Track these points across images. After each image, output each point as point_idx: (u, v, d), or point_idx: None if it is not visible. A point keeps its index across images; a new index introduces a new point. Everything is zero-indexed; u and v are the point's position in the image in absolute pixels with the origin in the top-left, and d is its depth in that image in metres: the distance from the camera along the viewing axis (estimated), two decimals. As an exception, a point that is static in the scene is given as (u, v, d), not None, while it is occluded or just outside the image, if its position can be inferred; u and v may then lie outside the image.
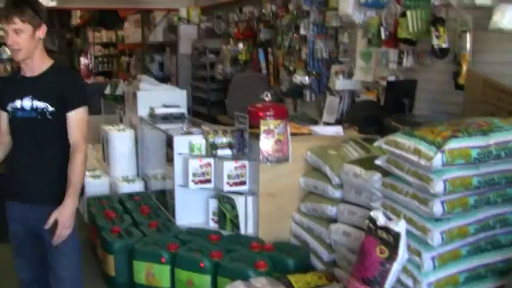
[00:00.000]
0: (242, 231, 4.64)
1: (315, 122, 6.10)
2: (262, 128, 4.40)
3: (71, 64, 18.93)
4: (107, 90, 8.65)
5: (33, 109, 3.23)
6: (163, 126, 5.52)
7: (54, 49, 22.45)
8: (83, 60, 17.22)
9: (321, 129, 5.01)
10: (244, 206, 4.62)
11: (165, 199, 5.30)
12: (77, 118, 3.26)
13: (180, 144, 4.82)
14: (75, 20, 17.41)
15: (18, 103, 3.26)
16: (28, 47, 3.15)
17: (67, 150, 3.26)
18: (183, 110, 6.16)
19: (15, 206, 3.38)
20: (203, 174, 4.75)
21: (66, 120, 3.25)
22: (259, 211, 4.56)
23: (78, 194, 3.25)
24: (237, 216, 4.63)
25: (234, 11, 9.32)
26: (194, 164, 4.71)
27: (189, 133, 4.96)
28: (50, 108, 3.22)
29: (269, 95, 4.70)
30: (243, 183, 4.67)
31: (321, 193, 4.27)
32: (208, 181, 4.77)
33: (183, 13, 10.69)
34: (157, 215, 5.13)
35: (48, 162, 3.28)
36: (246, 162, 4.65)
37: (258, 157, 4.45)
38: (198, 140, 4.79)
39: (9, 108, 3.30)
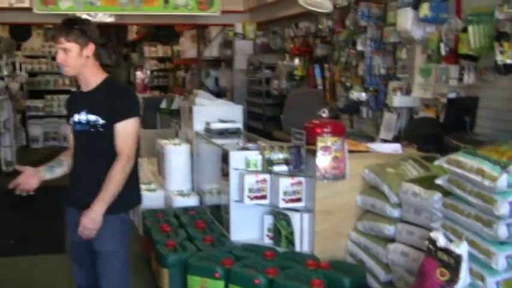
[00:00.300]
0: (297, 248, 4.58)
1: (372, 139, 6.02)
2: (319, 144, 4.36)
3: (127, 78, 19.29)
4: (163, 105, 8.77)
5: (87, 122, 3.39)
6: (219, 141, 5.55)
7: (111, 63, 22.98)
8: (139, 75, 17.45)
9: (378, 147, 4.93)
10: (299, 223, 4.57)
11: (219, 214, 5.30)
12: (123, 129, 3.36)
13: (236, 159, 4.82)
14: (132, 35, 17.74)
15: (76, 117, 3.45)
16: (75, 64, 3.32)
17: None
18: (239, 125, 6.19)
19: (71, 213, 3.55)
20: (259, 190, 4.74)
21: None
22: (314, 228, 4.50)
23: (108, 200, 3.30)
24: (292, 233, 4.59)
25: (290, 27, 9.32)
26: (250, 180, 4.70)
27: (245, 148, 4.96)
28: (101, 121, 3.36)
29: (326, 111, 4.65)
30: (299, 200, 4.63)
31: (378, 212, 4.20)
32: (263, 197, 4.75)
33: (239, 28, 10.75)
34: (212, 230, 5.13)
35: (100, 172, 3.35)
36: (303, 179, 4.61)
37: (314, 174, 4.40)
38: (254, 156, 4.78)
39: (71, 122, 3.51)
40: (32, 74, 14.31)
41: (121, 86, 3.61)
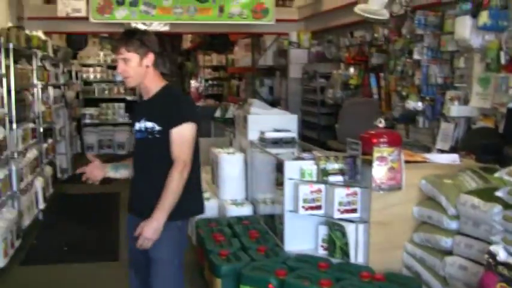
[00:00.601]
0: (352, 259, 4.54)
1: (428, 149, 5.92)
2: (376, 155, 4.31)
3: (182, 87, 19.52)
4: (217, 113, 8.81)
5: (145, 129, 3.45)
6: (273, 151, 5.54)
7: (166, 72, 23.31)
8: (193, 83, 17.65)
9: (435, 157, 4.83)
10: (354, 234, 4.52)
11: (273, 224, 5.29)
12: (178, 135, 3.37)
13: (291, 169, 4.80)
14: (186, 44, 17.93)
15: (137, 125, 3.52)
16: (136, 74, 3.41)
17: None
18: (294, 134, 6.17)
19: (130, 220, 3.62)
20: (313, 200, 4.70)
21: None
22: (370, 240, 4.45)
23: (168, 209, 3.31)
24: (347, 244, 4.54)
25: (345, 35, 9.26)
26: (305, 190, 4.68)
27: (300, 158, 4.94)
28: (157, 128, 3.41)
29: (383, 121, 4.59)
30: (354, 210, 4.58)
31: (435, 223, 4.12)
32: (318, 207, 4.72)
33: (294, 37, 10.73)
34: (266, 240, 5.12)
35: (157, 179, 3.38)
36: (358, 190, 4.57)
37: (370, 184, 4.36)
38: (309, 166, 4.75)
39: (133, 131, 3.60)
40: (87, 82, 14.62)
41: (177, 92, 3.62)
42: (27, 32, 7.89)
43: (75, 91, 13.43)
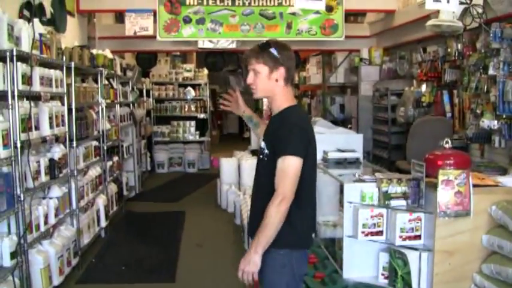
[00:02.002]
0: (415, 290, 4.19)
1: (504, 171, 5.49)
2: (441, 178, 3.97)
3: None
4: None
5: (260, 148, 3.38)
6: (336, 171, 5.26)
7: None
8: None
9: (508, 181, 4.42)
10: (417, 263, 4.17)
11: (333, 249, 5.00)
12: (280, 166, 3.13)
13: (351, 192, 4.50)
14: (260, 62, 17.78)
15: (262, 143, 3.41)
16: (263, 87, 3.29)
17: None
18: (358, 154, 5.85)
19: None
20: (374, 225, 4.39)
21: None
22: (434, 269, 4.09)
23: (264, 243, 3.12)
24: (409, 273, 4.20)
25: (417, 51, 8.89)
26: (365, 214, 4.37)
27: (361, 180, 4.63)
28: (266, 151, 3.28)
29: (450, 142, 4.23)
30: (417, 237, 4.24)
31: (507, 254, 3.76)
32: (379, 233, 4.40)
33: (365, 54, 10.45)
34: (325, 266, 4.85)
35: (261, 203, 3.22)
36: (422, 215, 4.22)
37: (435, 210, 4.01)
38: (371, 189, 4.43)
39: None
40: (159, 100, 14.72)
41: (295, 118, 3.29)
42: (94, 51, 7.93)
43: (146, 109, 13.54)
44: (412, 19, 8.54)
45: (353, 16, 11.68)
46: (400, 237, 4.25)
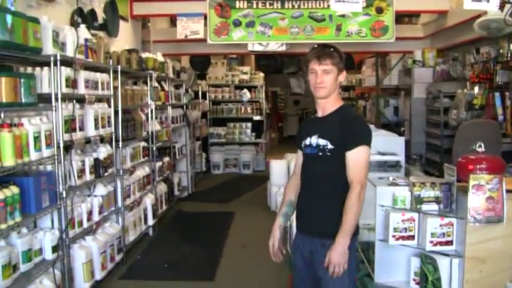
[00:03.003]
0: (445, 297, 4.13)
1: (550, 177, 5.32)
2: (472, 182, 3.90)
3: (314, 108, 19.38)
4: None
5: (317, 146, 3.47)
6: (376, 175, 5.23)
7: (301, 92, 23.36)
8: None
9: (548, 187, 4.30)
10: (448, 269, 4.11)
11: (368, 252, 4.98)
12: (353, 157, 3.35)
13: (383, 195, 4.47)
14: (319, 64, 17.76)
15: (308, 140, 3.54)
16: (329, 87, 3.45)
17: (344, 188, 3.37)
18: (399, 157, 5.79)
19: (297, 237, 3.68)
20: (405, 229, 4.35)
21: (344, 158, 3.37)
22: (465, 277, 4.02)
23: (351, 233, 3.33)
24: (439, 280, 4.14)
25: (470, 52, 8.70)
26: (396, 218, 4.33)
27: (394, 184, 4.60)
28: (330, 146, 3.41)
29: (482, 145, 4.16)
30: (449, 243, 4.17)
31: (540, 263, 3.64)
32: (410, 237, 4.35)
33: (418, 56, 10.29)
34: (358, 269, 4.81)
35: (325, 198, 3.44)
36: (454, 220, 4.15)
37: (466, 215, 3.94)
38: (403, 192, 4.39)
39: (302, 145, 3.61)
40: (215, 102, 14.90)
41: (354, 114, 3.68)
42: (143, 54, 8.12)
43: (202, 111, 13.74)
44: (464, 19, 8.37)
45: (407, 17, 11.52)
46: (431, 242, 4.19)
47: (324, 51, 3.47)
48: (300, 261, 3.57)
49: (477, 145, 4.20)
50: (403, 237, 4.34)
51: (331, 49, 3.48)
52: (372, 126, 6.44)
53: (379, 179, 4.85)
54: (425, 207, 4.28)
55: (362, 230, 5.54)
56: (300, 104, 24.66)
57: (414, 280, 4.41)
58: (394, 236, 4.34)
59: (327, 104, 3.51)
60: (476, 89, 8.29)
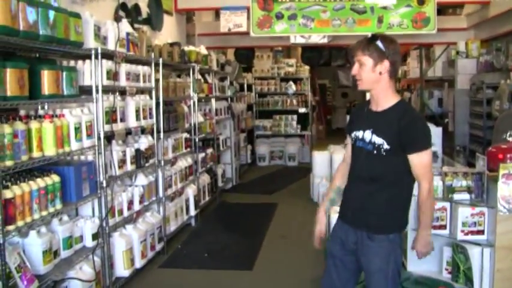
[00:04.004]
0: (476, 286, 4.16)
1: None
2: (502, 171, 3.92)
3: (363, 99, 19.30)
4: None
5: (371, 142, 3.38)
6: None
7: (349, 84, 23.28)
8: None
9: None
10: (479, 258, 4.15)
11: (403, 243, 5.01)
12: (417, 161, 3.31)
13: (415, 185, 4.50)
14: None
15: (360, 133, 3.46)
16: (367, 78, 3.33)
17: (395, 185, 3.39)
18: (436, 148, 5.79)
19: (338, 225, 3.66)
20: (437, 219, 4.40)
21: (399, 158, 3.32)
22: (495, 266, 4.03)
23: (429, 226, 3.54)
24: (470, 269, 4.18)
25: (515, 43, 8.59)
26: (428, 208, 4.37)
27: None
28: (386, 146, 3.32)
29: (514, 135, 4.17)
30: (480, 232, 4.21)
31: None
32: (442, 227, 4.41)
33: (462, 47, 10.17)
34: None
35: (375, 194, 3.41)
36: (485, 210, 4.18)
37: (496, 204, 3.96)
38: (435, 182, 4.41)
39: (353, 135, 3.54)
40: (261, 94, 15.00)
41: (413, 113, 3.45)
42: (186, 47, 8.28)
43: (248, 103, 13.87)
44: (507, 9, 8.26)
45: (451, 8, 11.39)
46: (462, 231, 4.24)
47: (359, 43, 3.37)
48: (338, 249, 3.56)
49: (507, 134, 4.21)
50: (435, 227, 4.37)
51: (371, 39, 3.33)
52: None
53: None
54: (456, 196, 4.33)
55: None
56: (348, 96, 24.59)
57: (446, 269, 4.46)
58: (425, 226, 4.38)
59: (380, 98, 3.38)
60: (519, 80, 8.19)
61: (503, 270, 4.02)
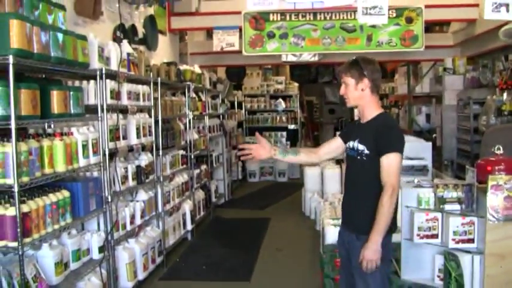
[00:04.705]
0: (468, 292, 4.36)
1: None
2: (490, 182, 4.14)
3: (351, 115, 19.58)
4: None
5: (356, 149, 3.80)
6: (404, 179, 5.44)
7: (336, 101, 23.55)
8: (357, 112, 17.65)
9: None
10: (470, 265, 4.34)
11: (395, 252, 5.21)
12: (385, 162, 3.62)
13: (408, 196, 4.74)
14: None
15: (351, 143, 3.89)
16: (352, 96, 3.82)
17: (378, 190, 3.62)
18: (426, 162, 6.01)
19: (341, 230, 4.04)
20: (429, 228, 4.60)
21: (379, 164, 3.65)
22: (485, 272, 4.24)
23: (382, 231, 3.58)
24: (461, 276, 4.37)
25: (499, 59, 8.86)
26: (420, 218, 4.60)
27: (419, 186, 4.85)
28: (366, 151, 3.72)
29: (501, 148, 4.40)
30: (470, 240, 4.41)
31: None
32: (434, 236, 4.60)
33: (449, 63, 10.46)
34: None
35: (360, 198, 3.79)
36: (475, 219, 4.39)
37: (486, 214, 4.18)
38: (427, 193, 4.66)
39: (346, 145, 3.98)
40: (251, 111, 15.24)
41: (389, 122, 3.89)
42: (181, 67, 8.50)
43: (238, 120, 14.09)
44: (493, 27, 8.55)
45: (438, 26, 11.70)
46: (453, 240, 4.44)
47: (341, 67, 3.88)
48: (343, 252, 3.94)
49: (496, 148, 4.45)
50: (427, 236, 4.60)
51: (351, 63, 3.81)
52: (401, 133, 6.71)
53: (406, 182, 5.10)
54: (448, 207, 4.53)
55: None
56: (335, 112, 24.82)
57: (438, 276, 4.65)
58: (418, 235, 4.61)
59: (365, 111, 3.83)
60: (505, 95, 8.45)
61: (492, 276, 4.22)
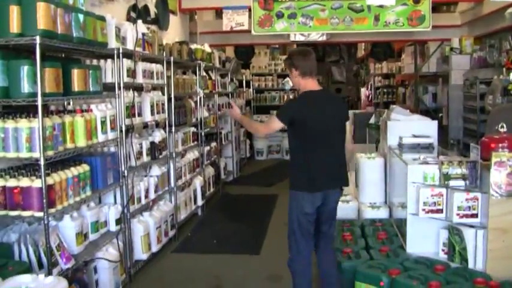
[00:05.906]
0: (471, 265, 4.54)
1: None
2: (494, 159, 4.31)
3: (357, 94, 19.72)
4: (372, 120, 8.95)
5: None
6: (410, 156, 5.62)
7: (343, 80, 23.66)
8: (363, 91, 17.77)
9: None
10: (473, 239, 4.53)
11: (403, 227, 5.40)
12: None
13: (414, 173, 4.90)
14: (361, 52, 18.08)
15: None
16: (294, 83, 4.77)
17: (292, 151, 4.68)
18: (432, 140, 6.17)
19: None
20: (434, 203, 4.77)
21: (289, 129, 4.56)
22: (488, 246, 4.43)
23: (242, 122, 5.22)
24: (465, 249, 4.56)
25: (506, 39, 8.97)
26: (425, 193, 4.76)
27: (424, 163, 5.01)
28: None
29: (504, 126, 4.57)
30: (474, 215, 4.58)
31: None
32: (439, 211, 4.77)
33: (456, 43, 10.56)
34: (391, 242, 5.27)
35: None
36: (479, 195, 4.56)
37: (489, 190, 4.35)
38: (432, 170, 4.82)
39: None
40: (259, 90, 15.38)
41: (294, 97, 4.67)
42: (192, 46, 8.66)
43: (246, 99, 14.24)
44: (500, 7, 8.64)
45: (445, 5, 11.77)
46: (458, 214, 4.61)
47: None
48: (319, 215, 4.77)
49: (499, 126, 4.61)
50: (432, 211, 4.77)
51: (287, 57, 4.77)
52: (406, 111, 6.87)
53: (413, 159, 5.26)
54: (452, 183, 4.69)
55: (396, 207, 5.99)
56: (341, 91, 24.92)
57: (443, 250, 4.83)
58: (424, 210, 4.77)
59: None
60: (511, 75, 8.56)
61: (495, 250, 4.41)
